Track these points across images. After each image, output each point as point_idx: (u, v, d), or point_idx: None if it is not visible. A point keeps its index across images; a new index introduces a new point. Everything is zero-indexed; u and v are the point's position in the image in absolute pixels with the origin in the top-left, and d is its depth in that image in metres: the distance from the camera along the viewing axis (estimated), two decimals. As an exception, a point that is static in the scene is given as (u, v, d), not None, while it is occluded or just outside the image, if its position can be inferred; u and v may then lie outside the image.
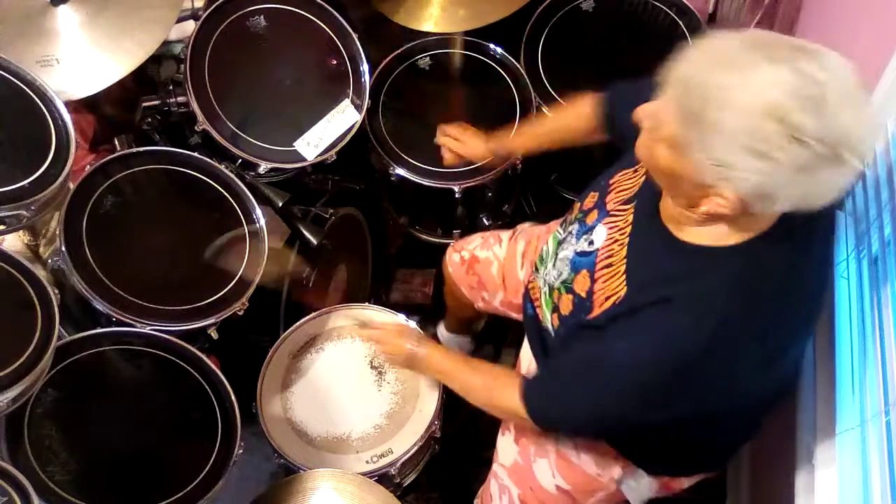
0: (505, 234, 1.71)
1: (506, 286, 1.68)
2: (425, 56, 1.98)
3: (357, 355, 1.67)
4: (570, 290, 1.24)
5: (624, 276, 1.14)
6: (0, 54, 1.37)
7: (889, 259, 1.28)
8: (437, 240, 2.09)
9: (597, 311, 1.17)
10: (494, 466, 1.55)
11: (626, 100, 1.24)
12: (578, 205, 1.34)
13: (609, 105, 1.41)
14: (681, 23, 1.98)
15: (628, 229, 1.18)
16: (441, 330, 2.10)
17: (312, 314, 1.70)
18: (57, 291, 1.28)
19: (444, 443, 1.67)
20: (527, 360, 1.50)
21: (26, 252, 1.62)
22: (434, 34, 1.98)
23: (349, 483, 1.45)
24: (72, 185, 1.45)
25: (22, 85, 1.38)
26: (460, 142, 1.72)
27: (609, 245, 1.20)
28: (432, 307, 2.16)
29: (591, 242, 1.23)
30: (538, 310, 1.38)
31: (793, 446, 1.38)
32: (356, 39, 1.80)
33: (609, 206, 1.25)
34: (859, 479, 1.21)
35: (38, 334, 1.24)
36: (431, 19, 1.98)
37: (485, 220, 2.07)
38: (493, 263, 1.69)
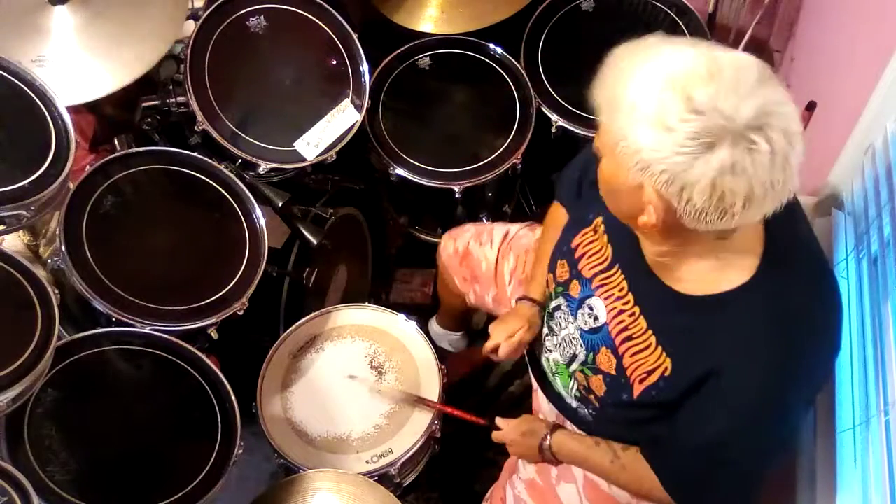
0: (498, 233, 1.69)
1: (497, 285, 1.67)
2: (425, 56, 1.98)
3: (357, 355, 1.67)
4: (596, 371, 1.22)
5: (660, 349, 1.11)
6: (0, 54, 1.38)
7: (888, 259, 1.28)
8: (437, 240, 2.09)
9: (639, 389, 1.14)
10: (514, 476, 1.51)
11: (572, 185, 1.38)
12: (551, 276, 1.32)
13: (569, 205, 1.43)
14: (681, 23, 1.98)
15: (629, 298, 1.16)
16: (433, 326, 2.10)
17: (312, 314, 1.70)
18: (57, 291, 1.29)
19: (444, 443, 1.67)
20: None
21: (26, 252, 1.62)
22: (433, 35, 1.98)
23: (349, 483, 1.45)
24: (72, 185, 1.45)
25: (22, 85, 1.38)
26: (502, 336, 1.42)
27: (617, 317, 1.17)
28: (432, 307, 2.16)
29: (596, 318, 1.21)
30: (549, 375, 1.38)
31: (793, 446, 1.38)
32: (356, 39, 1.80)
33: (587, 274, 1.23)
34: (859, 479, 1.21)
35: (38, 334, 1.24)
36: (430, 20, 1.99)
37: (485, 220, 2.07)
38: (483, 262, 1.68)
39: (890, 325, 1.21)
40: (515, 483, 1.49)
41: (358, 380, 1.62)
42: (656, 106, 0.89)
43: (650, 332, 1.13)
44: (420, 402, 1.58)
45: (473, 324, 2.11)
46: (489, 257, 1.67)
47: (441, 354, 1.69)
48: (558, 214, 1.45)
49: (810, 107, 1.65)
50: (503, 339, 1.40)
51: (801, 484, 1.33)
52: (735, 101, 0.87)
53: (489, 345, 1.42)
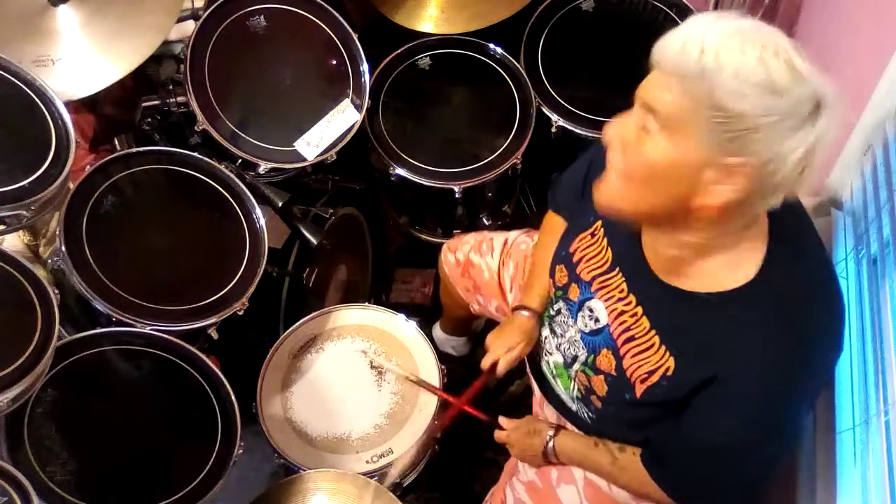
0: (498, 241, 1.69)
1: (499, 294, 1.67)
2: (425, 56, 1.99)
3: (357, 355, 1.67)
4: (597, 371, 1.21)
5: (664, 349, 1.11)
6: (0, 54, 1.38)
7: (888, 259, 1.28)
8: (437, 240, 2.09)
9: (641, 389, 1.14)
10: (513, 478, 1.51)
11: (575, 185, 1.34)
12: (551, 281, 1.33)
13: (568, 209, 1.42)
14: (681, 23, 1.97)
15: (631, 299, 1.15)
16: (437, 331, 2.10)
17: (312, 314, 1.70)
18: (57, 291, 1.29)
19: (444, 443, 1.67)
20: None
21: (26, 252, 1.62)
22: (433, 35, 1.98)
23: (349, 483, 1.45)
24: (72, 185, 1.45)
25: (22, 85, 1.38)
26: (498, 349, 1.43)
27: (619, 318, 1.17)
28: (432, 307, 2.16)
29: (597, 320, 1.21)
30: (549, 377, 1.38)
31: (795, 449, 1.38)
32: (356, 39, 1.80)
33: (586, 277, 1.23)
34: (859, 479, 1.21)
35: (38, 334, 1.24)
36: (431, 20, 1.99)
37: (485, 220, 2.07)
38: (486, 271, 1.68)
39: (890, 326, 1.21)
40: (515, 485, 1.49)
41: (385, 368, 1.64)
42: (764, 70, 0.86)
43: (654, 331, 1.12)
44: (425, 386, 1.60)
45: (474, 326, 2.11)
46: (491, 266, 1.67)
47: (444, 359, 1.69)
48: (554, 222, 1.45)
49: (810, 107, 1.65)
50: (502, 354, 1.40)
51: (801, 484, 1.33)
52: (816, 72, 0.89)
53: (488, 360, 1.42)
